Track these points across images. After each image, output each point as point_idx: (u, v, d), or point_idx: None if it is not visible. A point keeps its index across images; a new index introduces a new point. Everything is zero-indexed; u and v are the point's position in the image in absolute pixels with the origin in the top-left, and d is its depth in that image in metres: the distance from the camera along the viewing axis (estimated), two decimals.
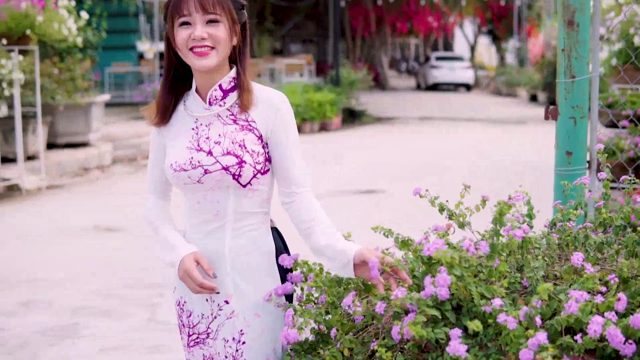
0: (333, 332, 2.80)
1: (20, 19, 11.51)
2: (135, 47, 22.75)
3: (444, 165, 14.97)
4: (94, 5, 19.03)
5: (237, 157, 2.82)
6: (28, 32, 11.64)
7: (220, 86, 2.89)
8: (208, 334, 2.96)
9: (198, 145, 2.87)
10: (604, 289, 2.49)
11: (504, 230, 2.67)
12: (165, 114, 2.95)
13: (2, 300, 7.20)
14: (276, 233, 3.05)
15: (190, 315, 3.00)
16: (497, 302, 2.39)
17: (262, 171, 2.88)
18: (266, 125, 2.88)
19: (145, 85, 22.03)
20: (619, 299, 2.32)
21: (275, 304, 2.92)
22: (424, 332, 2.39)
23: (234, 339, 2.91)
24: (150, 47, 22.27)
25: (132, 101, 22.99)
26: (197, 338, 2.99)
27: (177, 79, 2.97)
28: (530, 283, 2.64)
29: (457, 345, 2.30)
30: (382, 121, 25.00)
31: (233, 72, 2.92)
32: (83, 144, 15.82)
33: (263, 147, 2.89)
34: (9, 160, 13.25)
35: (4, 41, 11.73)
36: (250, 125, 2.88)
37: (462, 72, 39.81)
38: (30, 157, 13.85)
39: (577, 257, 2.57)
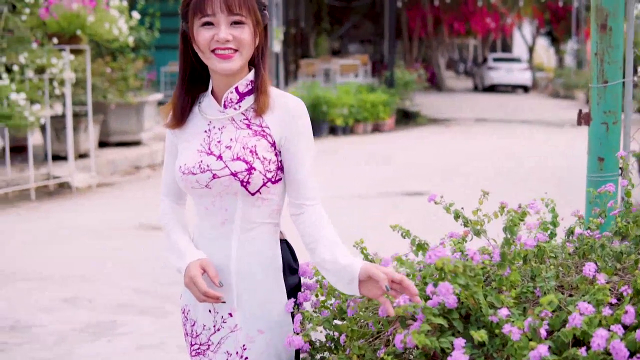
0: (342, 338, 2.78)
1: (71, 18, 11.63)
2: None
3: (496, 168, 14.83)
4: (147, 5, 19.19)
5: (246, 163, 2.71)
6: (79, 32, 11.76)
7: (236, 89, 2.78)
8: (209, 345, 2.88)
9: (209, 149, 2.77)
10: (614, 300, 2.43)
11: (515, 238, 2.62)
12: (182, 116, 2.86)
13: (45, 296, 7.28)
14: (286, 246, 2.93)
15: (194, 324, 2.92)
16: (503, 312, 2.35)
17: (273, 180, 2.77)
18: (280, 131, 2.77)
19: None
20: (626, 312, 2.26)
21: (281, 321, 2.83)
22: (427, 341, 2.35)
23: (237, 353, 2.83)
24: None
25: None
26: (199, 349, 2.91)
27: (193, 80, 2.87)
28: (542, 293, 2.59)
29: (459, 355, 2.26)
30: (436, 122, 24.87)
31: (251, 75, 2.80)
32: (135, 143, 15.99)
33: (276, 154, 2.78)
34: (61, 158, 13.41)
35: (55, 40, 11.86)
36: (264, 131, 2.77)
37: (519, 74, 39.43)
38: (82, 155, 14.02)
39: (589, 268, 2.52)
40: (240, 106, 2.80)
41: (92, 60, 14.60)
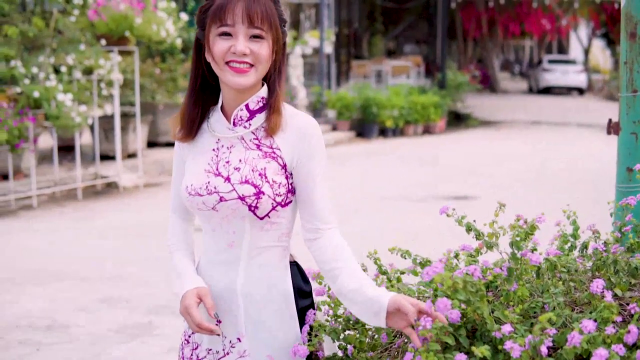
0: (350, 349, 2.76)
1: (119, 20, 11.75)
2: None
3: (546, 173, 14.68)
4: (197, 6, 19.26)
5: (255, 187, 2.58)
6: (127, 33, 11.87)
7: (247, 106, 2.64)
8: None
9: (217, 169, 2.64)
10: (619, 318, 2.38)
11: (520, 254, 2.59)
12: (191, 129, 2.71)
13: (83, 296, 7.35)
14: (296, 269, 2.79)
15: (196, 348, 2.79)
16: (506, 328, 2.32)
17: (282, 203, 2.64)
18: (292, 153, 2.64)
19: None
20: (628, 331, 2.22)
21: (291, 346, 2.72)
22: (435, 359, 2.33)
23: None
24: None
25: None
26: None
27: (204, 91, 2.72)
28: (551, 308, 2.55)
29: None
30: (488, 125, 24.70)
31: (263, 92, 2.66)
32: None
33: (286, 177, 2.65)
34: (110, 158, 13.55)
35: (104, 42, 11.99)
36: (275, 153, 2.64)
37: (574, 76, 38.99)
38: (130, 155, 14.16)
39: (597, 284, 2.47)
40: (250, 124, 2.65)
41: (141, 61, 14.74)
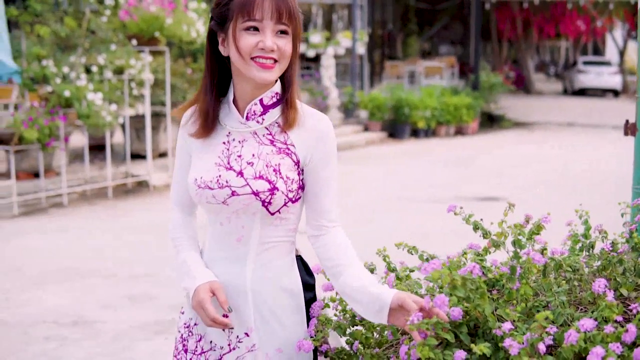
0: (355, 345, 2.78)
1: (150, 20, 11.84)
2: None
3: (577, 177, 14.59)
4: None
5: (270, 182, 2.57)
6: (157, 34, 11.97)
7: (261, 100, 2.62)
8: None
9: (228, 163, 2.62)
10: (620, 318, 2.39)
11: (522, 252, 2.60)
12: (213, 124, 2.67)
13: (109, 293, 7.44)
14: (300, 262, 2.80)
15: (200, 340, 2.77)
16: (506, 325, 2.34)
17: (293, 199, 2.64)
18: (306, 150, 2.64)
19: None
20: (626, 330, 2.23)
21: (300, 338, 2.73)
22: (431, 354, 2.35)
23: None
24: None
25: None
26: None
27: (220, 84, 2.70)
28: (554, 307, 2.56)
29: None
30: (521, 126, 24.57)
31: (277, 87, 2.64)
32: None
33: (298, 173, 2.64)
34: (142, 157, 13.66)
35: (135, 42, 12.09)
36: (289, 149, 2.63)
37: (609, 77, 38.65)
38: (162, 154, 14.25)
39: (599, 284, 2.48)
40: (263, 119, 2.64)
41: (173, 61, 14.84)
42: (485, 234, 2.88)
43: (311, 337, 2.73)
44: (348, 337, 2.85)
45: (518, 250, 2.65)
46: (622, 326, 2.36)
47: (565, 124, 25.33)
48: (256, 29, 2.54)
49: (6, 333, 6.44)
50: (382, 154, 18.00)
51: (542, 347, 2.24)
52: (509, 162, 16.89)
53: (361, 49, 22.70)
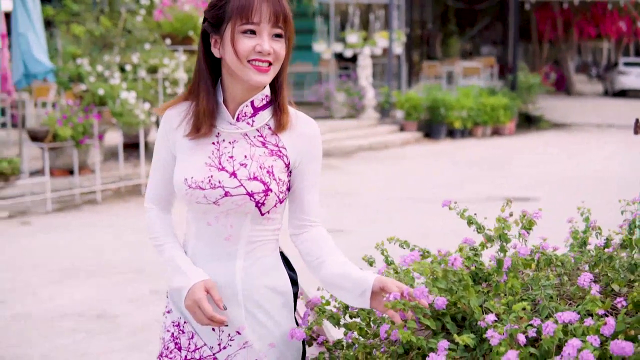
0: (349, 335, 2.83)
1: (184, 20, 11.98)
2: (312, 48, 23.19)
3: (613, 179, 14.48)
4: None
5: (264, 184, 2.61)
6: (191, 33, 12.09)
7: (252, 103, 2.66)
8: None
9: (220, 164, 2.64)
10: (601, 312, 2.42)
11: (508, 246, 2.65)
12: (211, 125, 2.67)
13: (134, 288, 7.55)
14: (282, 258, 2.84)
15: (192, 337, 2.75)
16: (490, 317, 2.38)
17: (281, 200, 2.68)
18: (297, 153, 2.70)
19: (318, 86, 22.38)
20: (605, 323, 2.27)
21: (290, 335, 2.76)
22: (413, 338, 2.41)
23: None
24: (327, 48, 22.57)
25: (307, 100, 23.44)
26: None
27: (214, 85, 2.71)
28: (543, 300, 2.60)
29: (434, 356, 2.31)
30: (559, 127, 24.42)
31: (267, 90, 2.69)
32: None
33: (288, 175, 2.70)
34: None
35: (168, 41, 12.23)
36: (280, 152, 2.68)
37: None
38: None
39: (584, 278, 2.52)
40: (254, 121, 2.67)
41: None
42: (479, 229, 2.92)
43: (304, 326, 2.78)
44: (344, 329, 2.90)
45: (504, 244, 2.69)
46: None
47: (605, 125, 25.11)
48: (253, 32, 2.57)
49: (33, 325, 6.59)
50: (417, 154, 18.01)
51: (521, 338, 2.28)
52: (545, 162, 16.82)
53: (398, 49, 22.70)
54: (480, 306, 2.54)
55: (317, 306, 2.85)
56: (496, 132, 21.86)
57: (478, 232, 2.93)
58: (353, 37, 21.93)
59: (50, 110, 11.59)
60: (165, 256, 2.76)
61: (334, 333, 2.96)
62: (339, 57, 25.00)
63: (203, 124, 2.66)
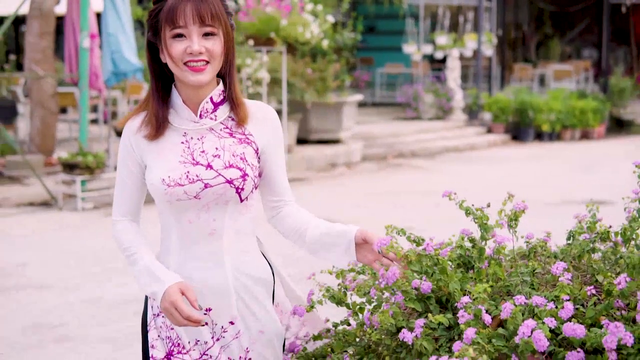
0: (349, 314, 3.05)
1: (267, 21, 12.34)
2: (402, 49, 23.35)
3: None
4: (360, 7, 19.70)
5: (240, 169, 2.76)
6: (272, 34, 12.44)
7: (211, 99, 2.80)
8: None
9: (193, 159, 2.77)
10: (565, 297, 2.60)
11: (490, 234, 2.87)
12: (161, 126, 2.79)
13: None
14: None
15: (183, 337, 2.85)
16: (464, 299, 2.60)
17: (256, 185, 2.84)
18: (263, 139, 2.86)
19: (406, 87, 22.53)
20: (563, 307, 2.47)
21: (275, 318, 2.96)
22: (392, 320, 2.65)
23: (240, 357, 2.87)
24: (417, 50, 22.70)
25: (396, 101, 23.62)
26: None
27: (164, 88, 2.86)
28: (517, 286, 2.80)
29: (406, 332, 2.55)
30: None
31: (221, 85, 2.84)
32: (335, 141, 16.57)
33: (258, 160, 2.85)
34: None
35: (251, 42, 12.61)
36: (248, 139, 2.83)
37: None
38: None
39: (557, 267, 2.71)
40: (216, 116, 2.82)
41: (294, 61, 15.32)
42: (477, 220, 3.13)
43: (308, 304, 3.02)
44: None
45: (484, 233, 2.90)
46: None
47: None
48: (183, 35, 2.69)
49: (106, 308, 7.00)
50: (502, 156, 18.02)
51: (486, 318, 2.50)
52: (632, 166, 16.59)
53: (488, 51, 22.69)
54: (464, 290, 2.76)
55: (321, 288, 3.08)
56: (585, 136, 21.66)
57: (475, 223, 3.15)
58: (442, 38, 22.01)
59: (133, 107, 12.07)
60: (139, 264, 2.82)
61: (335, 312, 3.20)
62: (430, 59, 25.12)
63: (157, 125, 2.79)
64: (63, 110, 16.83)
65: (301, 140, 16.07)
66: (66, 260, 8.66)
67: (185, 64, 2.70)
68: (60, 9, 14.71)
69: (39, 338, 6.47)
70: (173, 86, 2.84)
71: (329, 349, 3.00)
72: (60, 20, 14.63)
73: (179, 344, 2.85)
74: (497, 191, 13.12)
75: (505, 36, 28.84)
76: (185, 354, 2.84)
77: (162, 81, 2.84)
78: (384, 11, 25.15)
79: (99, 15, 12.54)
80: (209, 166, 2.75)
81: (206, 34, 2.70)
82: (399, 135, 19.11)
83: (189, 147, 2.78)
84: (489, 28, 23.13)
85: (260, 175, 2.91)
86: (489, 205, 2.99)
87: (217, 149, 2.78)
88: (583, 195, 12.88)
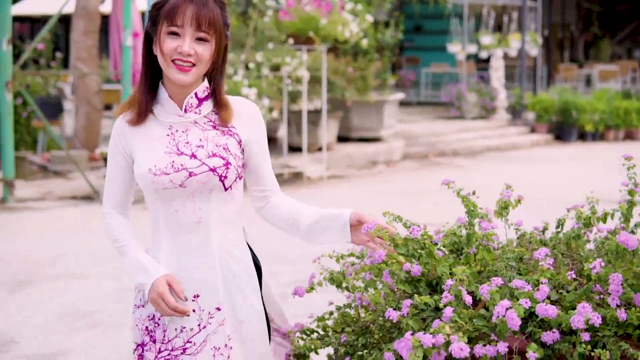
0: (348, 296, 3.22)
1: (307, 20, 12.52)
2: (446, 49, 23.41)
3: None
4: (407, 7, 19.76)
5: (223, 158, 2.86)
6: (311, 33, 12.62)
7: (195, 94, 2.91)
8: (184, 349, 2.93)
9: (178, 150, 2.88)
10: (544, 280, 2.74)
11: (476, 221, 3.02)
12: (146, 112, 2.92)
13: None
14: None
15: (166, 330, 2.95)
16: (449, 282, 2.76)
17: (240, 176, 2.95)
18: (246, 133, 2.96)
19: (450, 86, 22.59)
20: (538, 290, 2.62)
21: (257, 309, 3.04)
22: (381, 300, 2.82)
23: (225, 345, 2.94)
24: (461, 49, 22.72)
25: (440, 101, 23.71)
26: (169, 355, 2.94)
27: (153, 80, 2.97)
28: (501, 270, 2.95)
29: (391, 311, 2.71)
30: None
31: (206, 82, 2.95)
32: (375, 139, 16.70)
33: (242, 152, 2.96)
34: (301, 150, 14.36)
35: (291, 41, 12.81)
36: (231, 131, 2.94)
37: None
38: (321, 149, 14.92)
39: (540, 252, 2.86)
40: (200, 110, 2.93)
41: (335, 60, 15.48)
42: (470, 210, 3.28)
43: (309, 286, 3.19)
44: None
45: (470, 219, 3.05)
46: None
47: None
48: (177, 34, 2.81)
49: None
50: (544, 156, 18.00)
51: (467, 298, 2.66)
52: None
53: (533, 51, 22.67)
54: (450, 273, 2.91)
55: (322, 272, 3.25)
56: (629, 136, 21.53)
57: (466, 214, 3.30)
58: (487, 38, 22.02)
59: None
60: (128, 256, 2.96)
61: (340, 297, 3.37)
62: (475, 58, 25.14)
63: (140, 111, 2.92)
64: (108, 107, 17.15)
65: (342, 138, 16.24)
66: (105, 251, 8.89)
67: (173, 61, 2.83)
68: (105, 8, 15.05)
69: (73, 324, 6.69)
70: (160, 83, 2.96)
71: (330, 329, 3.19)
72: (105, 18, 14.97)
73: (143, 340, 2.99)
74: (532, 190, 13.28)
75: (551, 36, 28.75)
76: (146, 350, 2.98)
77: (152, 71, 2.95)
78: (429, 11, 25.25)
79: (143, 15, 12.81)
80: (193, 156, 2.87)
81: (199, 39, 2.83)
82: (441, 134, 19.20)
83: (174, 139, 2.90)
84: (533, 28, 23.13)
85: (245, 167, 3.03)
86: (474, 193, 3.10)
87: (200, 140, 2.90)
88: (618, 195, 12.83)
